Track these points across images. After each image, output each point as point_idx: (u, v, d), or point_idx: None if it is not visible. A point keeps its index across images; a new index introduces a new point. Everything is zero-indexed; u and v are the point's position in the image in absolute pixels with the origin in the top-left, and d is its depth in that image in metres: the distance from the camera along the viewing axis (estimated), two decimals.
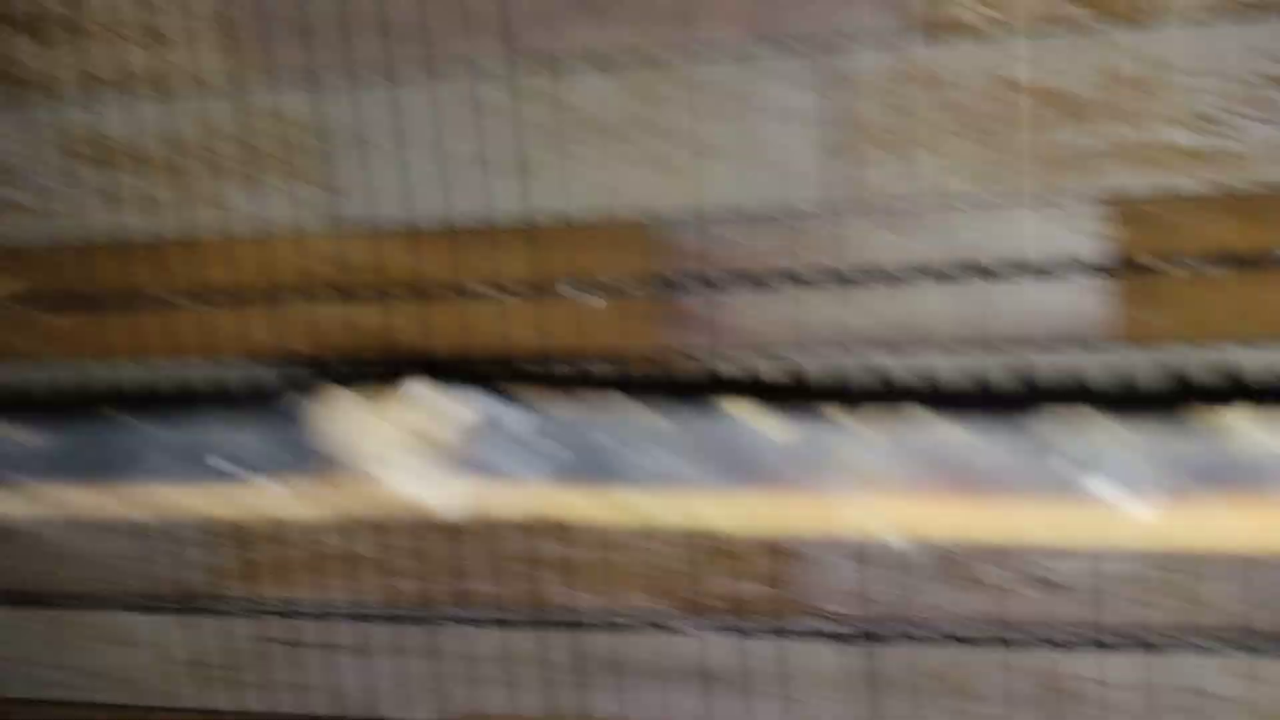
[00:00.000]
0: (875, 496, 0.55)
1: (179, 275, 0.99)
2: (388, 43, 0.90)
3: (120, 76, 0.96)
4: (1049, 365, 0.82)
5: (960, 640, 0.87)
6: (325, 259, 0.96)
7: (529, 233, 0.91)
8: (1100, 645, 0.84)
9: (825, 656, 0.91)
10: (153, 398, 0.94)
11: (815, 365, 0.86)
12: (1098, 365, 0.81)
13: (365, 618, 1.01)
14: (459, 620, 0.98)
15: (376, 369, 0.90)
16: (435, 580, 0.98)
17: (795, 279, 0.86)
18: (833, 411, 0.48)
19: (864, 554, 0.87)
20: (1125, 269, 0.80)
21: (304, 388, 0.82)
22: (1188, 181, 0.78)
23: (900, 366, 0.84)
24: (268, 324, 0.98)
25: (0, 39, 0.97)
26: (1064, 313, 0.81)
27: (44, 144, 1.00)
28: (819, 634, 0.90)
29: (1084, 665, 0.85)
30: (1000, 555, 0.84)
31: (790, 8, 0.82)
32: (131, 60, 0.96)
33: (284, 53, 0.93)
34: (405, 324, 0.95)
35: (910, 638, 0.88)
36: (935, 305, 0.84)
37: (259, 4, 0.92)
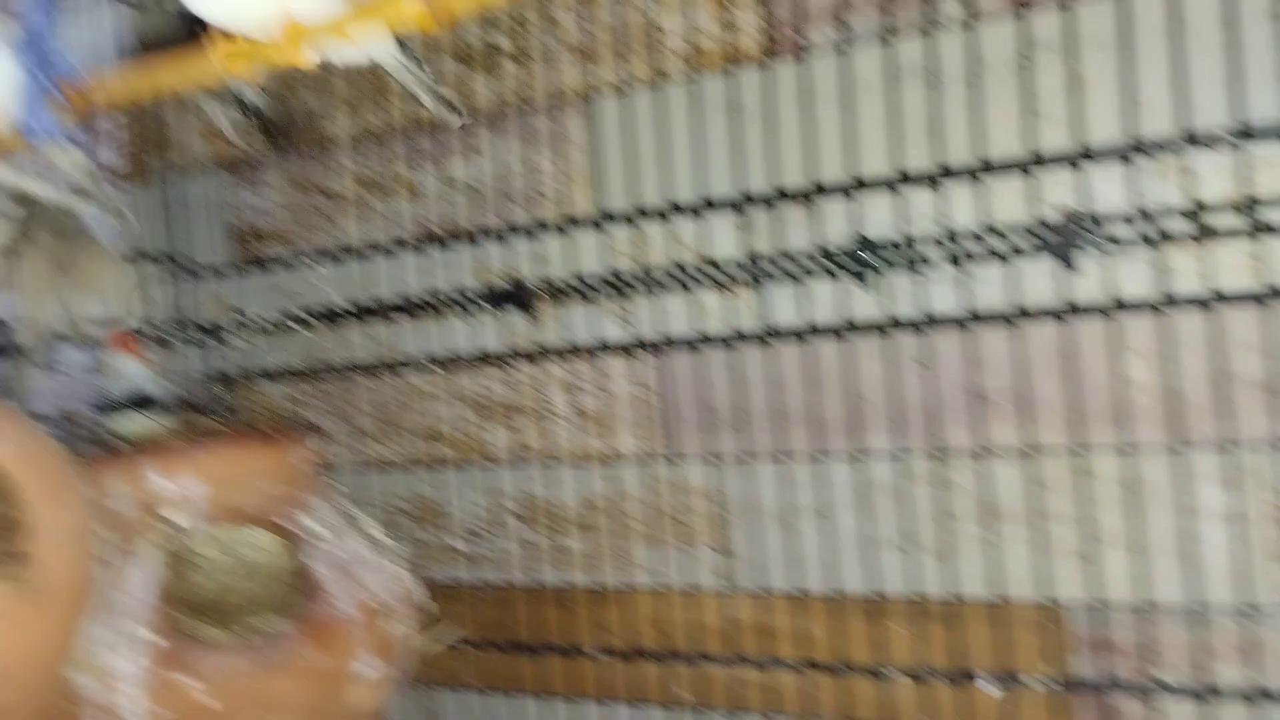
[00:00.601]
0: None
1: (586, 624, 1.10)
2: (782, 428, 0.98)
3: (547, 447, 1.11)
4: None
5: None
6: (722, 619, 1.03)
7: (920, 611, 0.93)
8: None
9: None
10: None
11: None
12: None
13: None
14: None
15: None
16: None
17: (1208, 686, 0.82)
18: None
19: None
20: None
21: None
22: None
23: None
24: (666, 676, 1.05)
25: (464, 420, 1.16)
26: None
27: (478, 499, 1.16)
28: None
29: None
30: None
31: (1211, 414, 0.82)
32: (558, 435, 1.11)
33: (689, 435, 1.04)
34: (791, 690, 0.98)
35: None
36: None
37: (669, 392, 1.05)
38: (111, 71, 0.73)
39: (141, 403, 1.02)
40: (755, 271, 0.96)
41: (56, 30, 0.70)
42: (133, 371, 1.02)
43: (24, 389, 1.01)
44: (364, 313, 1.17)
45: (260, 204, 1.26)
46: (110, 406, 1.02)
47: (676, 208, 1.00)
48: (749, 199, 0.97)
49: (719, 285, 0.99)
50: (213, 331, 1.28)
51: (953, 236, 0.87)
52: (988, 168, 0.86)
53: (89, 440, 1.07)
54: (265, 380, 1.27)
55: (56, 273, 0.89)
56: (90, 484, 0.83)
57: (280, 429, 1.04)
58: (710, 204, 0.98)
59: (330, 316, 1.20)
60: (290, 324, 1.22)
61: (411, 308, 1.14)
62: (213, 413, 1.25)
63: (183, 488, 0.91)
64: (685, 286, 1.00)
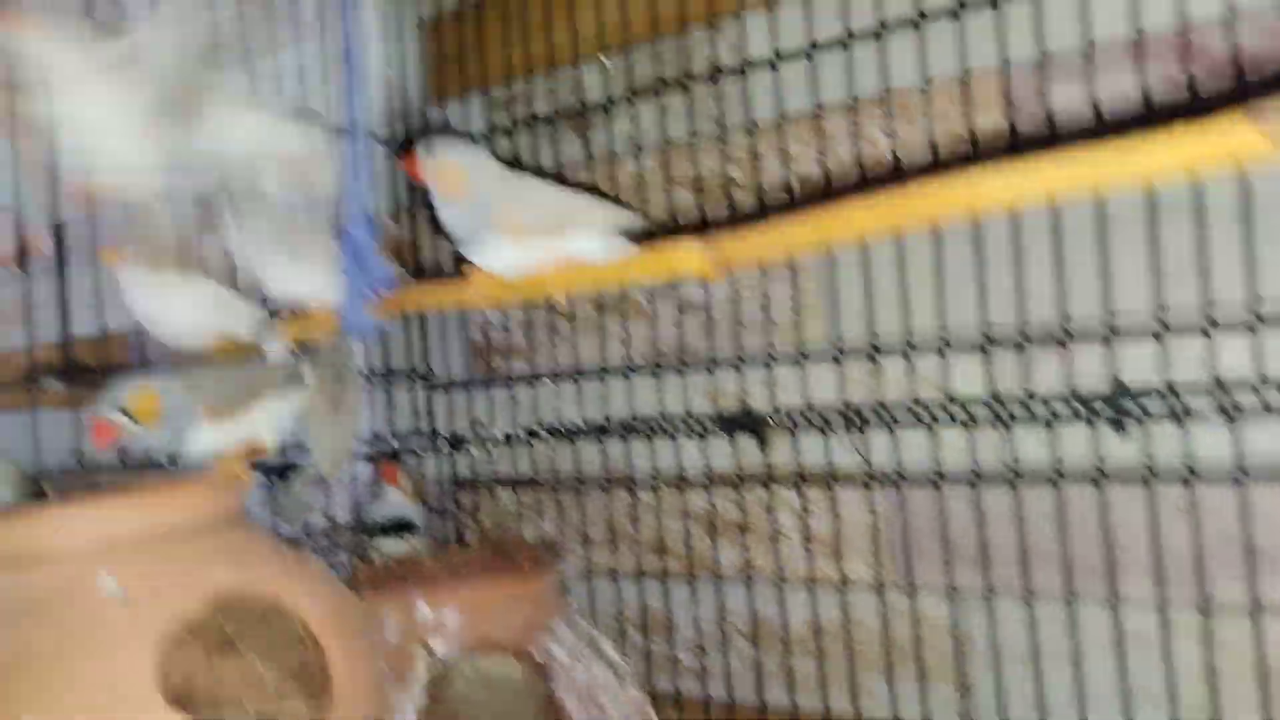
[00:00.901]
0: None
1: None
2: (1029, 567, 0.95)
3: (776, 568, 1.12)
4: None
5: None
6: None
7: None
8: None
9: None
10: None
11: None
12: None
13: None
14: None
15: None
16: None
17: None
18: None
19: None
20: None
21: None
22: None
23: None
24: None
25: (692, 536, 1.19)
26: None
27: (705, 614, 1.18)
28: None
29: None
30: None
31: None
32: (788, 556, 1.12)
33: (926, 567, 1.02)
34: None
35: None
36: None
37: (906, 523, 1.04)
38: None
39: (401, 527, 1.10)
40: (1000, 411, 0.94)
41: (374, 245, 0.78)
42: (394, 498, 1.10)
43: (299, 507, 1.11)
44: (597, 430, 1.22)
45: (500, 323, 1.34)
46: (373, 528, 1.11)
47: (913, 343, 0.99)
48: (993, 338, 0.95)
49: (960, 423, 0.97)
50: (454, 441, 1.35)
51: (1222, 386, 0.83)
52: (1261, 318, 0.82)
53: (353, 554, 1.16)
54: (501, 488, 1.33)
55: (335, 406, 0.98)
56: (370, 618, 0.90)
57: (527, 554, 1.10)
58: (950, 341, 0.97)
59: (564, 432, 1.25)
60: (526, 437, 1.29)
61: (643, 427, 1.18)
62: (454, 517, 1.33)
63: (443, 617, 0.97)
64: (924, 422, 0.99)
